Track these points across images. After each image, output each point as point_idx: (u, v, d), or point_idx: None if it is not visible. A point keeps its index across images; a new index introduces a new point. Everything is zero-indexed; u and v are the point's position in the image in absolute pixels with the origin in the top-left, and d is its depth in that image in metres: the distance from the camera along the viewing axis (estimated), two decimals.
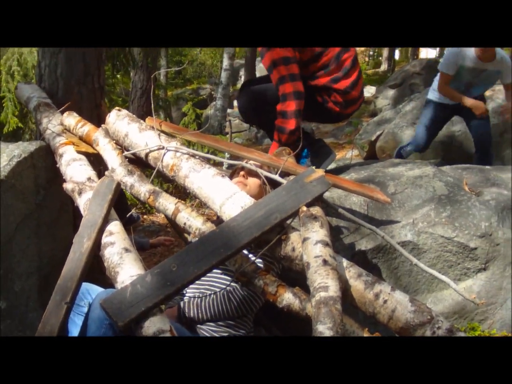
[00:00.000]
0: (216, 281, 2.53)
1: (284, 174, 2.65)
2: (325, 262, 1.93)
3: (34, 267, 2.77)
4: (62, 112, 2.91)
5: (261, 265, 2.40)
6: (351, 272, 2.07)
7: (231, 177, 2.72)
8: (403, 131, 6.84)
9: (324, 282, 1.85)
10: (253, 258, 2.24)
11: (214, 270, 2.43)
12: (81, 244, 2.16)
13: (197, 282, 2.30)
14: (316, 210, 2.22)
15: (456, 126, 6.12)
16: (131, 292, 1.97)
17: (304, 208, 2.19)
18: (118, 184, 2.30)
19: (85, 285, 2.44)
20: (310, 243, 2.04)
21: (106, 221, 2.22)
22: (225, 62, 10.49)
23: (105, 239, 2.18)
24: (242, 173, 2.66)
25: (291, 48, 3.07)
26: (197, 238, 2.26)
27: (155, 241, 4.40)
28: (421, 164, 3.28)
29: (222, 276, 2.53)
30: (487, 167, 3.47)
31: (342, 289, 1.90)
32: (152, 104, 2.64)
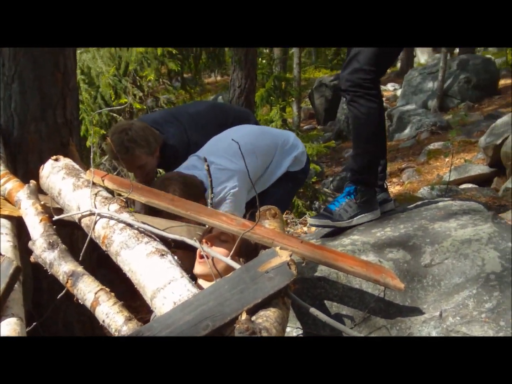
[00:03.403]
0: None
1: (261, 247, 2.01)
2: None
3: None
4: (6, 160, 2.41)
5: None
6: None
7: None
8: None
9: None
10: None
11: None
12: None
13: None
14: (266, 316, 1.55)
15: None
16: None
17: (244, 316, 1.53)
18: (17, 269, 1.75)
19: None
20: None
21: None
22: None
23: None
24: (199, 249, 1.99)
25: None
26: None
27: None
28: (481, 218, 2.36)
29: None
30: None
31: None
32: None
